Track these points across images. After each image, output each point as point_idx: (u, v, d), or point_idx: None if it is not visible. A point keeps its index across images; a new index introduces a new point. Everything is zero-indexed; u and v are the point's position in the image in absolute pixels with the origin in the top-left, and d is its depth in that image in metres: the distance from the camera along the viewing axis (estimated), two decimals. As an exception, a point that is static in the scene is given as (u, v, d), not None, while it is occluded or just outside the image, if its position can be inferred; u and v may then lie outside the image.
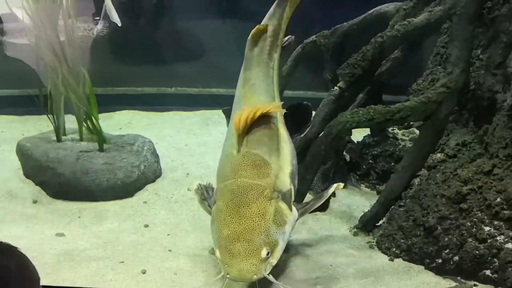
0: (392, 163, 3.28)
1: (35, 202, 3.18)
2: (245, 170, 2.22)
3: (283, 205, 2.19)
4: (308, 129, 2.96)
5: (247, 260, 2.01)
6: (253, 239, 2.04)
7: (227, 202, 2.15)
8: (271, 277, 2.06)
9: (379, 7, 3.37)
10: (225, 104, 4.82)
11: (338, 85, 2.87)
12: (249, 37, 2.66)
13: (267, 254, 2.03)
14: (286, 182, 2.30)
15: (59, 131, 3.38)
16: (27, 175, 3.36)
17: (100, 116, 3.44)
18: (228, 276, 2.03)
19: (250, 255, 2.02)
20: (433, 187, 2.60)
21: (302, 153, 2.81)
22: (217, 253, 2.08)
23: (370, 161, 3.40)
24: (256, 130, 2.36)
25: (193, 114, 4.53)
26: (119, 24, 3.47)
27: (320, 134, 2.77)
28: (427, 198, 2.60)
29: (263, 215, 2.10)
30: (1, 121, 4.27)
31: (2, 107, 4.35)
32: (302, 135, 2.99)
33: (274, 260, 2.09)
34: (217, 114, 4.17)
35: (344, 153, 3.48)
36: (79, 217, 3.04)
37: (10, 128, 4.19)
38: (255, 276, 2.01)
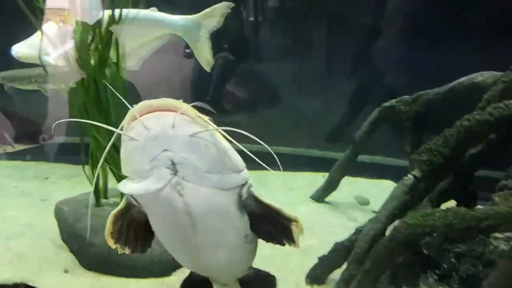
0: (480, 267, 2.66)
1: (66, 272, 2.91)
2: None
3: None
4: None
5: None
6: None
7: None
8: None
9: (473, 74, 2.78)
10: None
11: (412, 173, 2.34)
12: None
13: None
14: None
15: (99, 193, 3.11)
16: (63, 239, 3.11)
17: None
18: None
19: None
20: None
21: (364, 253, 2.31)
22: None
23: (453, 260, 2.78)
24: None
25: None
26: None
27: (385, 236, 2.25)
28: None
29: None
30: (55, 170, 4.13)
31: (59, 154, 4.20)
32: None
33: None
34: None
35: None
36: (107, 296, 2.73)
37: (64, 178, 4.03)
38: None
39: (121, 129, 1.52)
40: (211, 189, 1.55)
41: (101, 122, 2.95)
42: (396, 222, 2.41)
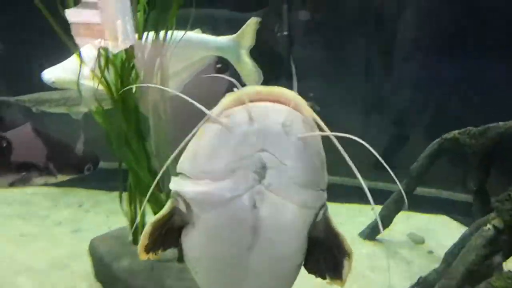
0: None
1: (100, 316, 2.71)
2: None
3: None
4: None
5: None
6: None
7: None
8: None
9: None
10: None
11: (492, 223, 2.06)
12: None
13: None
14: None
15: (137, 230, 2.88)
16: (97, 279, 2.90)
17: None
18: None
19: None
20: None
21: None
22: None
23: (529, 316, 2.47)
24: None
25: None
26: None
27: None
28: None
29: None
30: (89, 196, 3.93)
31: (91, 180, 3.97)
32: None
33: None
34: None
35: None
36: None
37: (97, 206, 3.82)
38: None
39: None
40: (294, 206, 1.25)
41: (139, 152, 2.81)
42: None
